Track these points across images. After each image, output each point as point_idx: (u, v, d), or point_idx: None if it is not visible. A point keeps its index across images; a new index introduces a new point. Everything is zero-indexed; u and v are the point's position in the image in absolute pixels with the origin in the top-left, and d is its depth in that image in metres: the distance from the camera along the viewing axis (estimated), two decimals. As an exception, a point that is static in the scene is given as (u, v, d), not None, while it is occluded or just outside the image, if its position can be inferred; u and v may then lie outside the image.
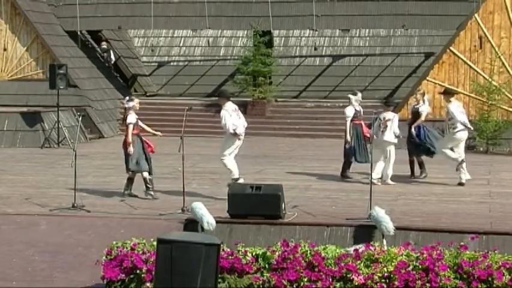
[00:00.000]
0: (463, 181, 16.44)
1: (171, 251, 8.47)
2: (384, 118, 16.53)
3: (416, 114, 17.18)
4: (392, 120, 16.47)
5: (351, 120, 16.88)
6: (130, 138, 14.98)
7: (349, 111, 16.95)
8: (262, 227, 12.60)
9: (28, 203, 14.41)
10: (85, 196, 14.35)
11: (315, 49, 29.20)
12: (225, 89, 16.29)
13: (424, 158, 17.28)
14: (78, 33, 27.80)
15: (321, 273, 9.41)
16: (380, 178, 16.32)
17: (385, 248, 9.87)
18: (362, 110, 17.34)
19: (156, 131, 15.78)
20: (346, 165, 17.07)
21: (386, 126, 16.43)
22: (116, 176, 17.74)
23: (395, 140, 16.52)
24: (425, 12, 25.93)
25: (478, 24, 23.91)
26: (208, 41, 31.92)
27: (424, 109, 17.12)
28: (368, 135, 16.89)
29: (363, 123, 17.16)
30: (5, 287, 10.27)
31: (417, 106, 17.24)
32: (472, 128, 16.77)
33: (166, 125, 25.54)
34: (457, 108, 16.48)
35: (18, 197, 14.97)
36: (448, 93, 16.94)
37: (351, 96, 17.28)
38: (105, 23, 28.65)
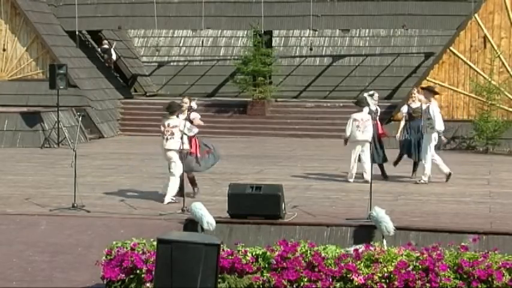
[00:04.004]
0: (424, 180, 16.52)
1: (171, 251, 8.47)
2: (362, 119, 16.55)
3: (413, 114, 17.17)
4: (369, 120, 16.57)
5: None
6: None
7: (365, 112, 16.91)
8: (262, 227, 12.61)
9: (28, 203, 14.41)
10: (85, 196, 14.34)
11: (311, 49, 29.18)
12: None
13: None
14: (77, 33, 27.80)
15: (321, 273, 9.40)
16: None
17: (385, 248, 9.86)
18: (379, 110, 17.39)
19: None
20: (381, 166, 16.89)
21: (366, 126, 16.49)
22: (115, 176, 17.75)
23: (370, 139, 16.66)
24: (426, 12, 25.93)
25: (478, 24, 23.92)
26: (208, 41, 31.97)
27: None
28: (384, 135, 17.01)
29: (378, 123, 17.14)
30: (5, 287, 10.26)
31: (415, 106, 17.21)
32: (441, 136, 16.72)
33: (166, 125, 25.59)
34: (437, 108, 16.52)
35: (18, 197, 14.97)
36: (431, 91, 17.00)
37: (367, 96, 17.22)
38: (105, 23, 28.65)
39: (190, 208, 12.50)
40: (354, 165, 16.68)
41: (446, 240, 11.16)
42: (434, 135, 16.48)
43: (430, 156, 16.44)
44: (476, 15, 23.96)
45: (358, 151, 16.59)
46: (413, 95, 17.49)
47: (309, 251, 9.65)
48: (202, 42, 31.36)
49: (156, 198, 14.88)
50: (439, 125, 16.40)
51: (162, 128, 14.45)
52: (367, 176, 16.42)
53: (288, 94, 29.34)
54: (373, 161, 15.89)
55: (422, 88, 17.72)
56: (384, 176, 16.98)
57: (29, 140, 23.59)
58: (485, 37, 23.80)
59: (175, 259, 8.43)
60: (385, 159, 17.06)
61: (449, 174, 16.63)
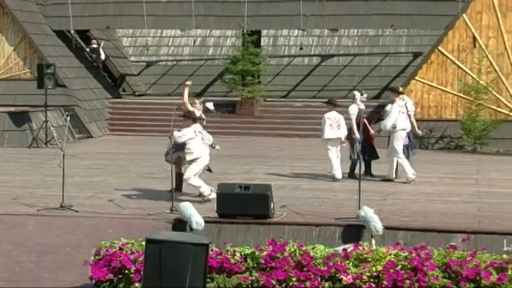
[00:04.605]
0: (392, 177, 16.76)
1: (159, 251, 8.45)
2: (335, 118, 16.63)
3: None
4: (341, 119, 16.65)
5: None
6: None
7: (353, 109, 16.87)
8: (251, 227, 12.59)
9: (16, 203, 14.35)
10: (73, 196, 14.29)
11: (301, 49, 29.21)
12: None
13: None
14: (72, 31, 27.73)
15: (310, 273, 9.40)
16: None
17: (374, 247, 9.87)
18: (365, 109, 17.45)
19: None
20: (354, 165, 16.93)
21: (339, 125, 16.57)
22: (104, 176, 17.70)
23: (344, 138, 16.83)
24: (414, 12, 25.97)
25: (467, 24, 23.97)
26: (197, 40, 31.95)
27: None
28: (372, 133, 17.09)
29: (366, 121, 17.15)
30: (-7, 287, 10.23)
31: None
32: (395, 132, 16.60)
33: (154, 125, 25.58)
34: (397, 109, 16.51)
35: (5, 197, 14.90)
36: (394, 92, 17.10)
37: (356, 93, 17.25)
38: (93, 22, 28.57)
39: (178, 208, 12.48)
40: (335, 163, 16.72)
41: (434, 240, 11.18)
42: (401, 134, 16.50)
43: (401, 153, 16.47)
44: (464, 15, 24.02)
45: (334, 149, 16.69)
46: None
47: (297, 251, 9.64)
48: (194, 42, 31.32)
49: (144, 197, 14.85)
50: (384, 124, 16.51)
51: (200, 135, 14.65)
52: (337, 174, 16.74)
53: (277, 94, 29.35)
54: (362, 158, 16.01)
55: (388, 89, 17.88)
56: (351, 175, 16.92)
57: (16, 139, 23.50)
58: (474, 37, 23.86)
59: (164, 259, 8.42)
60: (375, 157, 17.05)
61: (390, 180, 16.70)
